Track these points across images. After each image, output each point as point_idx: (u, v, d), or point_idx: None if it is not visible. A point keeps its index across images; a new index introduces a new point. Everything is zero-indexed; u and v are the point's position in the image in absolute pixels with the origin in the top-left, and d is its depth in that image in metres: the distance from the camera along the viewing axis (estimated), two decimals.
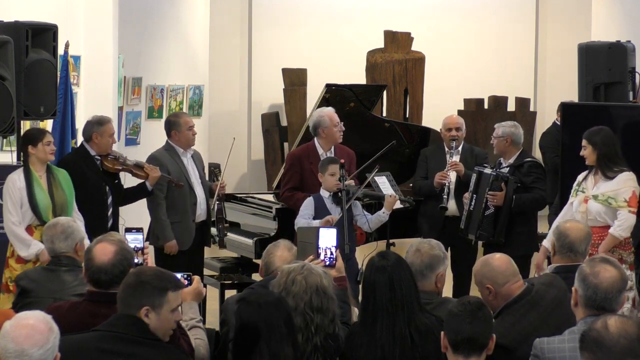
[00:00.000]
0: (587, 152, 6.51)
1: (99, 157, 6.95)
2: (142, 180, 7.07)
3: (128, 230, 4.54)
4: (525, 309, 4.24)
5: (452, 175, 7.54)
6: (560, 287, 4.40)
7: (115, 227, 6.95)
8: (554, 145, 8.83)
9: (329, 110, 7.35)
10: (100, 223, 6.69)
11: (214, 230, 7.46)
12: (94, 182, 6.89)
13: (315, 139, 7.32)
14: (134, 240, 4.48)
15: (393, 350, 4.00)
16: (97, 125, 6.99)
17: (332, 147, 7.28)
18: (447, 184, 7.46)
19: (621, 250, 6.42)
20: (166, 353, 3.65)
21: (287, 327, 3.72)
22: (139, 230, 4.55)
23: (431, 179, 7.59)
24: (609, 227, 6.39)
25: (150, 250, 7.25)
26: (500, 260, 4.37)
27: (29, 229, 6.51)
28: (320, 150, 7.25)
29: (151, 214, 7.21)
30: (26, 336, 3.03)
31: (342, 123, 7.33)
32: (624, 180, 6.44)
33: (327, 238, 4.53)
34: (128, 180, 7.48)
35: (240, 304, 3.80)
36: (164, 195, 7.13)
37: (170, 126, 7.24)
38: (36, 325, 3.07)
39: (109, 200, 6.93)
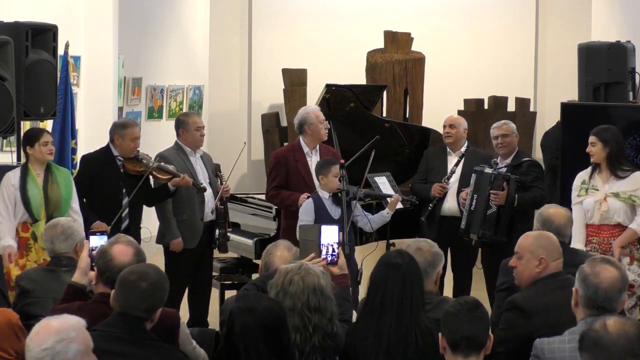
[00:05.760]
0: (595, 149, 6.48)
1: (121, 159, 6.96)
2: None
3: (92, 233, 4.54)
4: (556, 286, 4.34)
5: (454, 180, 7.52)
6: None
7: (135, 228, 6.95)
8: (553, 146, 8.83)
9: (314, 108, 7.37)
10: (112, 222, 6.69)
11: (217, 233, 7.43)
12: (111, 181, 6.88)
13: (300, 137, 7.28)
14: (100, 243, 4.43)
15: (397, 346, 4.02)
16: (119, 127, 7.03)
17: (317, 147, 7.24)
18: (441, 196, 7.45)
19: (632, 246, 6.46)
20: (165, 353, 3.65)
21: (267, 345, 3.66)
22: (103, 232, 4.55)
23: (430, 183, 7.57)
24: (619, 225, 6.40)
25: (159, 250, 7.27)
26: (554, 236, 4.54)
27: (24, 226, 6.57)
28: (306, 149, 7.21)
29: (158, 212, 7.20)
30: (35, 332, 3.16)
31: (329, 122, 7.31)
32: None
33: (329, 235, 4.54)
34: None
35: (233, 311, 3.75)
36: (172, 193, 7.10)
37: (179, 125, 7.24)
38: (46, 326, 3.16)
39: (125, 200, 6.91)
